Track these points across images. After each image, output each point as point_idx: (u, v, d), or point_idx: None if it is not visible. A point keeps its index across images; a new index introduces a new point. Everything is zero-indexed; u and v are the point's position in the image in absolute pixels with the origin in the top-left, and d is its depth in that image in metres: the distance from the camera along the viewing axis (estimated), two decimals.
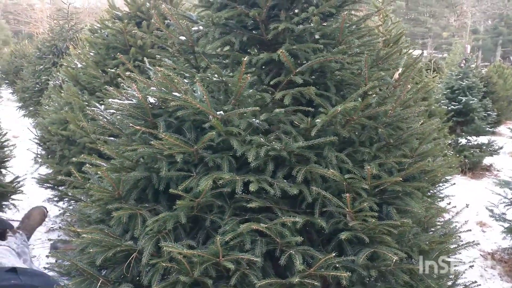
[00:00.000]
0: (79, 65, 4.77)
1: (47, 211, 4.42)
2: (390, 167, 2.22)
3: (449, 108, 7.86)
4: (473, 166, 8.31)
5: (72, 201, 4.77)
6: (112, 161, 2.24)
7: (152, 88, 2.18)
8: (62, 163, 4.53)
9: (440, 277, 2.20)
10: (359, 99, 2.13)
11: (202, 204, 2.10)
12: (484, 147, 8.36)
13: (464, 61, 8.45)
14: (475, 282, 2.57)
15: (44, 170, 5.16)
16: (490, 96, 11.00)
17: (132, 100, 2.25)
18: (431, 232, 2.35)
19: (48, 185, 4.80)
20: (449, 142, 7.39)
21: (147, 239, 2.05)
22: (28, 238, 4.16)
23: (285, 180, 2.06)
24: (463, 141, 8.41)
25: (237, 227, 1.94)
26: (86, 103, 4.34)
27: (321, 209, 2.07)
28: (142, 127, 2.06)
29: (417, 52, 8.33)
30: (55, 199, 4.83)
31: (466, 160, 8.06)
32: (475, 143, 8.50)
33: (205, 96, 1.97)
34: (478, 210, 5.96)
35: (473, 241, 2.41)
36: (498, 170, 8.74)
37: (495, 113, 9.21)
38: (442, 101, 7.57)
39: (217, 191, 2.02)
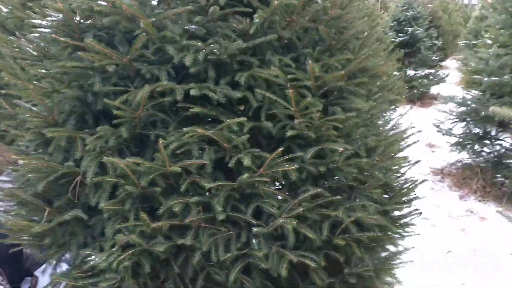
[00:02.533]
0: (5, 10, 4.37)
1: None
2: (334, 68, 2.20)
3: (397, 39, 7.97)
4: (421, 96, 8.60)
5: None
6: (42, 83, 2.08)
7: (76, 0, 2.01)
8: None
9: (388, 171, 2.26)
10: None
11: (145, 120, 2.02)
12: (431, 77, 8.63)
13: None
14: (425, 180, 2.69)
15: None
16: (436, 30, 11.23)
17: (56, 17, 2.07)
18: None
19: None
20: (397, 74, 7.53)
21: (89, 160, 1.96)
22: None
23: (228, 87, 1.99)
24: (411, 72, 8.63)
25: (183, 135, 1.88)
26: (17, 49, 4.01)
27: (267, 114, 2.03)
28: (68, 40, 1.90)
29: None
30: None
31: (415, 90, 8.31)
32: (423, 73, 8.75)
33: (132, 1, 1.83)
34: (427, 133, 6.22)
35: (418, 140, 2.48)
36: (444, 98, 9.09)
37: (440, 43, 9.47)
38: (389, 34, 7.65)
39: (158, 102, 1.93)
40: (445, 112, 4.97)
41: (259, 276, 2.05)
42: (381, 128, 2.43)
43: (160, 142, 1.71)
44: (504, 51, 4.51)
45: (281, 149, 1.81)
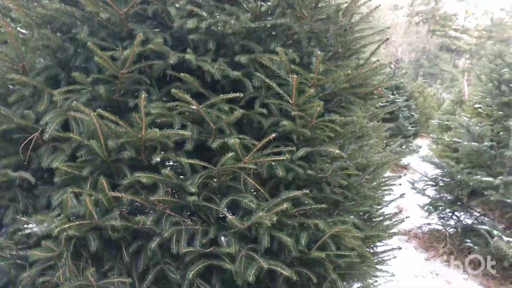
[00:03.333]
0: None
1: None
2: (337, 76, 2.09)
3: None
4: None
5: None
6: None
7: None
8: None
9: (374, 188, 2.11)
10: None
11: (127, 87, 1.81)
12: (404, 147, 8.81)
13: (395, 62, 8.89)
14: (403, 219, 2.57)
15: None
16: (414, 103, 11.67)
17: None
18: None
19: None
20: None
21: (53, 115, 1.71)
22: None
23: (226, 66, 1.83)
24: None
25: (165, 104, 1.68)
26: None
27: (261, 104, 1.87)
28: None
29: None
30: None
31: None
32: (397, 142, 8.93)
33: None
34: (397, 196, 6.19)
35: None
36: (414, 169, 9.25)
37: (417, 115, 9.78)
38: None
39: (145, 64, 1.74)
40: (419, 173, 4.96)
41: (220, 284, 1.77)
42: (371, 154, 2.30)
43: (143, 95, 1.49)
44: (484, 123, 4.63)
45: (273, 135, 1.63)
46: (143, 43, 1.75)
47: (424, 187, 4.77)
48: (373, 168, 2.05)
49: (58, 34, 1.89)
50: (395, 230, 2.53)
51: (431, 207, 4.61)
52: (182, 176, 1.71)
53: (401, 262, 4.31)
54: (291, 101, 1.79)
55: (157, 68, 1.77)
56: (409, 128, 8.64)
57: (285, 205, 1.58)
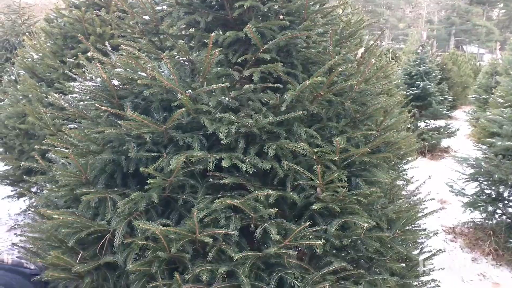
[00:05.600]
0: (36, 57, 4.58)
1: None
2: (357, 141, 2.28)
3: (408, 93, 8.14)
4: (432, 148, 8.66)
5: (32, 199, 4.59)
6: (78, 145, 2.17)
7: (116, 69, 2.13)
8: (21, 158, 4.35)
9: (407, 244, 2.29)
10: (325, 75, 2.17)
11: (174, 185, 2.09)
12: (442, 130, 8.73)
13: (421, 48, 8.76)
14: (440, 250, 2.70)
15: (3, 167, 4.93)
16: (445, 82, 11.46)
17: (95, 83, 2.19)
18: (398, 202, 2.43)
19: (7, 181, 4.59)
20: (409, 126, 7.65)
21: (118, 221, 2.02)
22: None
23: (256, 157, 2.07)
24: (421, 124, 8.74)
25: (211, 204, 1.94)
26: (45, 95, 4.17)
27: (292, 183, 2.10)
28: (109, 108, 2.01)
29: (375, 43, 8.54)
30: (16, 196, 4.64)
31: (425, 143, 8.39)
32: (433, 126, 8.86)
33: (172, 74, 1.94)
34: (438, 188, 6.23)
35: (438, 209, 2.53)
36: (455, 151, 9.16)
37: (451, 97, 9.63)
38: (401, 87, 7.82)
39: (189, 169, 2.01)
40: (457, 171, 5.00)
41: None
42: (400, 200, 2.47)
43: (195, 213, 1.77)
44: None
45: (308, 223, 1.86)
46: (183, 147, 2.04)
47: (462, 188, 4.82)
48: (404, 221, 2.23)
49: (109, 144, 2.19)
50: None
51: (471, 207, 4.67)
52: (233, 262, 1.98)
53: (448, 266, 4.45)
54: (318, 182, 2.01)
55: (199, 170, 2.03)
56: (444, 112, 8.53)
57: (327, 284, 1.81)
